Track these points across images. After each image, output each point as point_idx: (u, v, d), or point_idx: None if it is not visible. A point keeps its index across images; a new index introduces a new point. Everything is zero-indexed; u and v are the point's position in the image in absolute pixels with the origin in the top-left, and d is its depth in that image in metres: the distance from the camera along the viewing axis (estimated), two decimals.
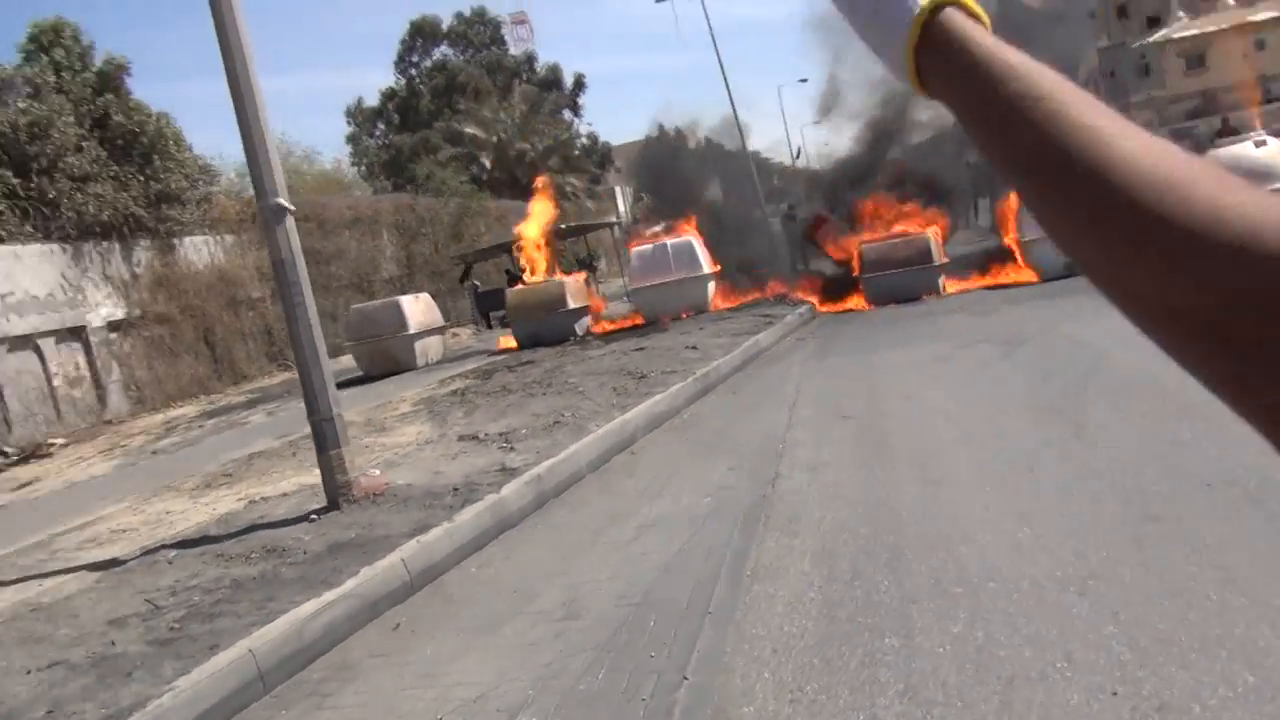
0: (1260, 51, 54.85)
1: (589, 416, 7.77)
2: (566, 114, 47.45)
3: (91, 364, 15.81)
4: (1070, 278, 12.78)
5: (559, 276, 15.27)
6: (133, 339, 16.75)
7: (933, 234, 13.84)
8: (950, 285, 14.06)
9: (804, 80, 46.95)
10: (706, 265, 14.71)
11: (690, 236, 14.93)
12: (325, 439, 5.85)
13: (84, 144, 16.12)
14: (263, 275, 19.75)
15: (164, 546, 5.78)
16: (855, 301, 14.24)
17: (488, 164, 41.36)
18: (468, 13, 48.37)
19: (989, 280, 13.85)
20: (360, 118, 48.43)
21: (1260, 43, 55.02)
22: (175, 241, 18.12)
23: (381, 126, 48.41)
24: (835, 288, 15.06)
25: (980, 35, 0.56)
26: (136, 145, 17.19)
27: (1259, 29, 55.12)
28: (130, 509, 7.32)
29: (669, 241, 14.63)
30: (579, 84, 48.45)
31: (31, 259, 14.96)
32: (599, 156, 46.83)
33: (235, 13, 5.68)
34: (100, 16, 64.50)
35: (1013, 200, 13.82)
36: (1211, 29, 56.00)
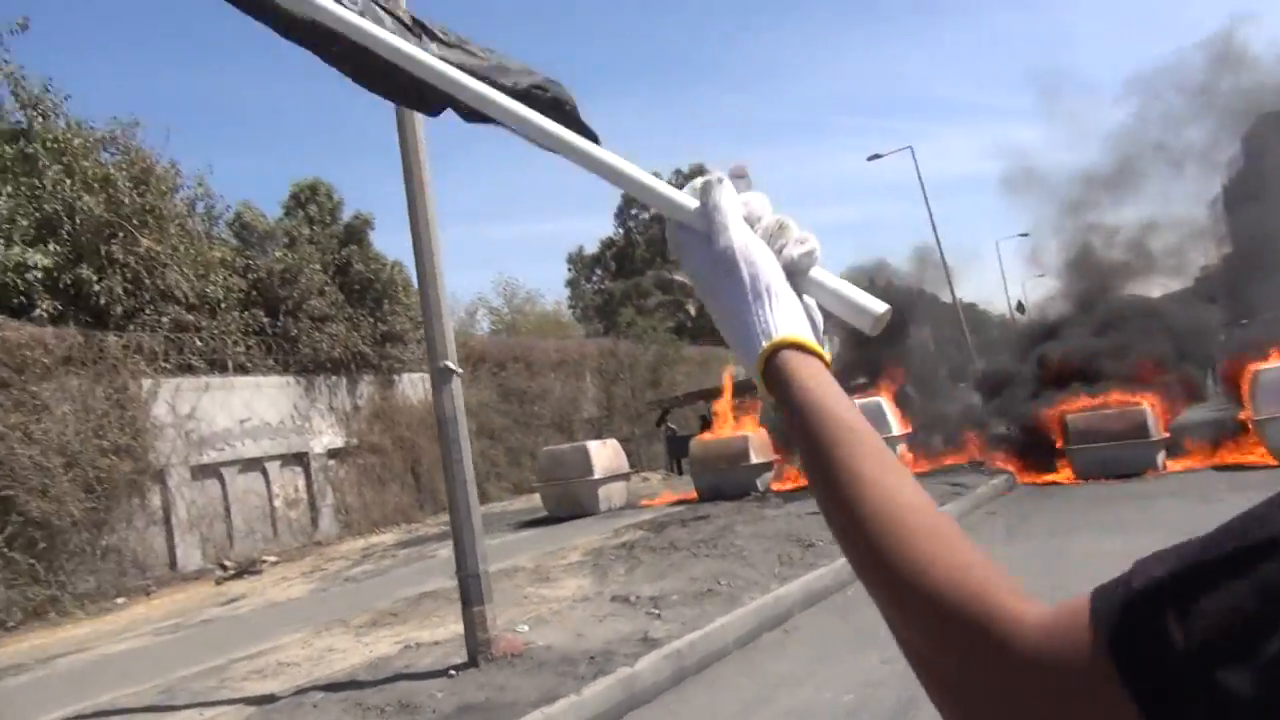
0: None
1: (745, 586, 7.51)
2: None
3: (309, 488, 17.15)
4: None
5: (746, 429, 15.17)
6: (347, 466, 18.07)
7: (1150, 404, 12.73)
8: (1174, 462, 12.80)
9: (1024, 234, 45.57)
10: (896, 426, 14.19)
11: (880, 397, 14.52)
12: (470, 594, 5.97)
13: (326, 289, 17.99)
14: (470, 413, 20.88)
15: (315, 687, 6.01)
16: (1062, 474, 13.21)
17: (692, 310, 42.53)
18: (685, 169, 51.00)
19: (1217, 459, 12.49)
20: (580, 264, 51.48)
21: None
22: (395, 377, 19.63)
23: (599, 273, 51.22)
24: (1038, 456, 14.02)
25: (805, 376, 0.65)
26: (370, 290, 19.01)
27: None
28: (302, 641, 7.71)
29: (857, 401, 14.28)
30: None
31: (270, 389, 16.62)
32: None
33: (427, 207, 6.23)
34: (350, 174, 73.04)
35: (1248, 369, 12.57)
36: None
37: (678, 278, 42.09)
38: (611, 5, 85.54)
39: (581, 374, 26.63)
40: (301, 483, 16.98)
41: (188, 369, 15.06)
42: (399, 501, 18.95)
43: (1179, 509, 9.65)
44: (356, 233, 19.49)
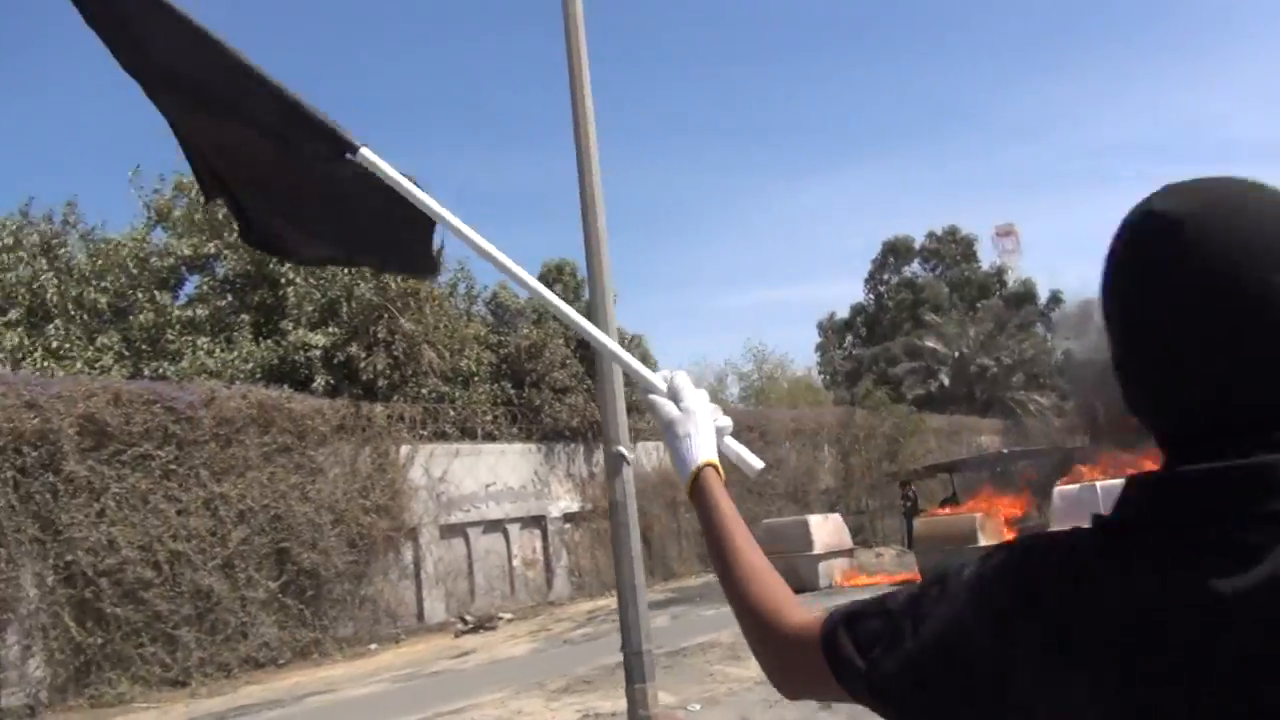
0: None
1: None
2: (1040, 329, 45.51)
3: (546, 549, 18.21)
4: None
5: (984, 508, 14.44)
6: (581, 530, 19.01)
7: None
8: None
9: None
10: None
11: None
12: (633, 672, 6.22)
13: (568, 361, 19.23)
14: None
15: None
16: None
17: (945, 379, 40.79)
18: (939, 231, 49.47)
19: None
20: (830, 330, 51.04)
21: None
22: (633, 445, 20.45)
23: (850, 338, 50.53)
24: None
25: (715, 485, 1.12)
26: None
27: None
28: (499, 701, 8.30)
29: (1099, 483, 13.22)
30: (1055, 299, 46.37)
31: (513, 456, 17.93)
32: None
33: (607, 307, 6.72)
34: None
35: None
36: None
37: (929, 344, 40.67)
38: (864, 60, 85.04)
39: (819, 444, 26.36)
40: (539, 544, 18.06)
41: (441, 436, 16.62)
42: None
43: None
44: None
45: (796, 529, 15.41)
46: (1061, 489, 13.13)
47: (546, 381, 18.81)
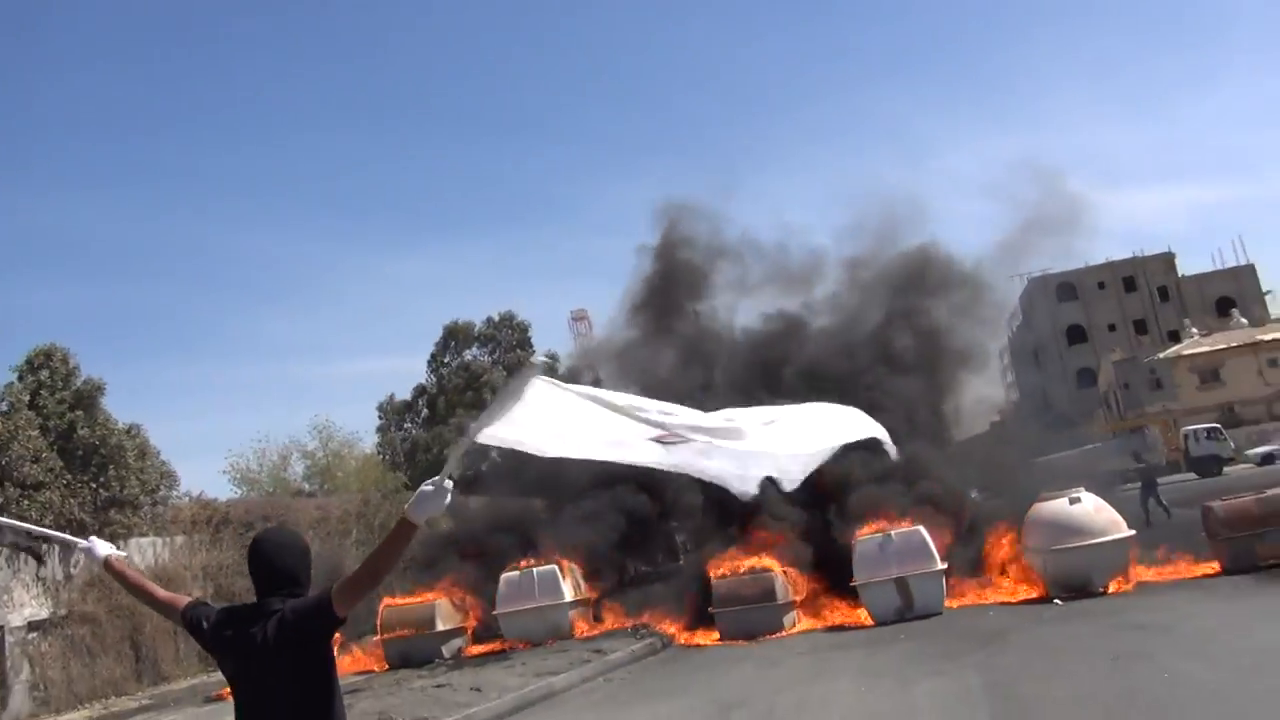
0: (1274, 369, 55.53)
1: None
2: None
3: (2, 663, 16.60)
4: (901, 622, 12.95)
5: (438, 596, 15.76)
6: (52, 638, 17.60)
7: (780, 569, 14.21)
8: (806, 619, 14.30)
9: None
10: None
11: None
12: None
13: (42, 455, 17.94)
14: (206, 574, 20.93)
15: None
16: (712, 634, 14.37)
17: (499, 459, 43.09)
18: (497, 317, 52.45)
19: (826, 620, 14.04)
20: (390, 410, 51.51)
21: (1273, 360, 55.79)
22: (120, 543, 19.40)
23: (410, 419, 51.37)
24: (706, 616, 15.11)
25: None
26: (95, 456, 19.01)
27: (1270, 348, 56.16)
28: None
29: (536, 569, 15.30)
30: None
31: None
32: None
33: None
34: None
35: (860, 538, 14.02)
36: (1223, 346, 57.23)
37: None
38: (464, 138, 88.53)
39: (348, 531, 26.73)
40: None
41: None
42: (110, 674, 18.44)
43: (744, 675, 10.92)
44: (86, 398, 19.60)
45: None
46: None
47: (13, 478, 17.39)
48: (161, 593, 3.45)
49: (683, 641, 14.58)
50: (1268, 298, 70.96)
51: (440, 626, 15.16)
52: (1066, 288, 73.56)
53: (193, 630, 3.18)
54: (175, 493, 21.73)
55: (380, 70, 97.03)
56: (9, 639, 16.74)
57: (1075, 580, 12.71)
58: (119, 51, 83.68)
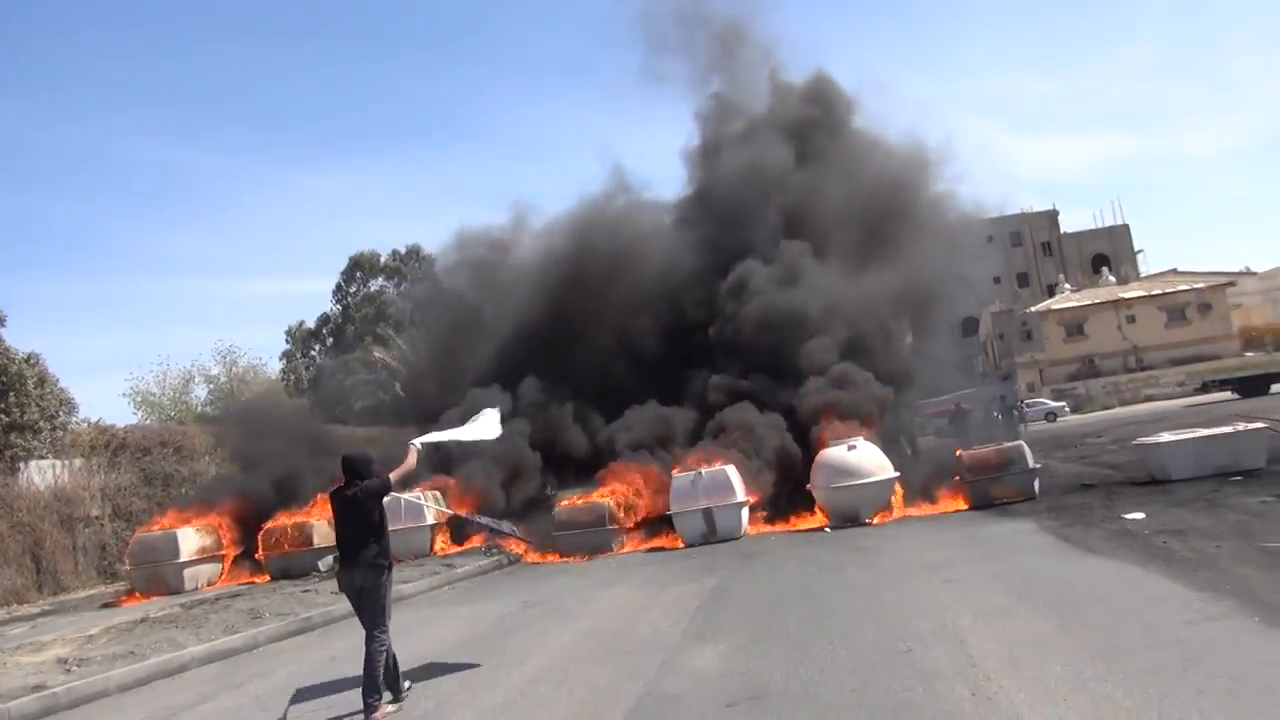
0: (1132, 325, 60.08)
1: None
2: None
3: None
4: (705, 544, 15.39)
5: (316, 517, 17.77)
6: None
7: (612, 500, 16.58)
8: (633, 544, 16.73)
9: None
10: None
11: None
12: None
13: None
14: (105, 495, 22.52)
15: None
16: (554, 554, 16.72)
17: (399, 389, 44.75)
18: (404, 250, 53.60)
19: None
20: (298, 337, 52.60)
21: (1131, 317, 60.29)
22: (20, 465, 20.84)
23: (317, 347, 52.54)
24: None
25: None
26: None
27: (1130, 305, 60.59)
28: None
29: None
30: None
31: None
32: None
33: None
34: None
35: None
36: (1088, 302, 61.56)
37: (379, 354, 44.19)
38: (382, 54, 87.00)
39: None
40: None
41: None
42: (12, 584, 20.05)
43: (558, 584, 13.25)
44: None
45: (165, 540, 17.56)
46: None
47: None
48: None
49: (527, 560, 16.92)
50: (1139, 256, 76.09)
51: (317, 544, 17.20)
52: None
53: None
54: (74, 419, 23.04)
55: None
56: None
57: (848, 512, 15.38)
58: None
